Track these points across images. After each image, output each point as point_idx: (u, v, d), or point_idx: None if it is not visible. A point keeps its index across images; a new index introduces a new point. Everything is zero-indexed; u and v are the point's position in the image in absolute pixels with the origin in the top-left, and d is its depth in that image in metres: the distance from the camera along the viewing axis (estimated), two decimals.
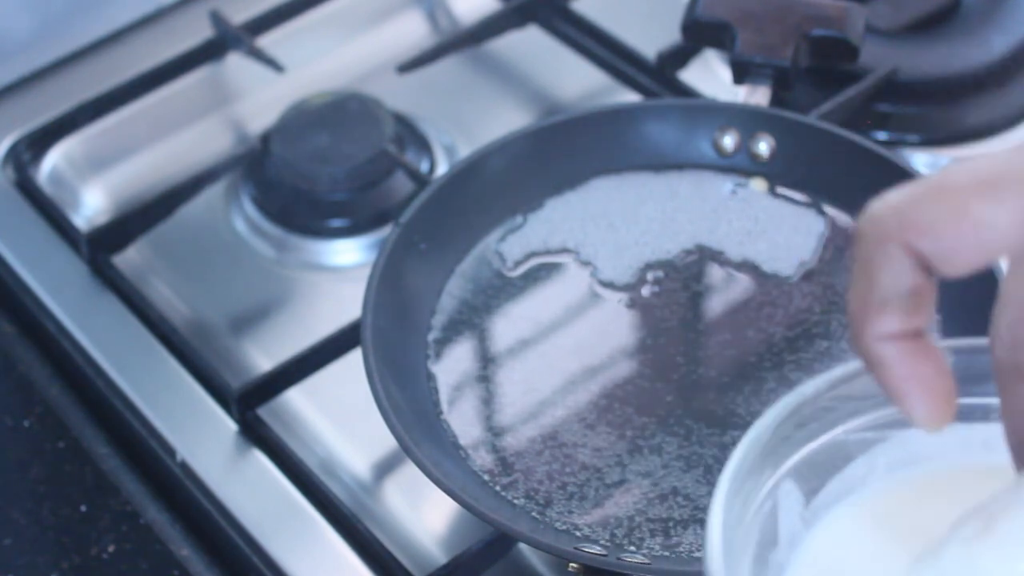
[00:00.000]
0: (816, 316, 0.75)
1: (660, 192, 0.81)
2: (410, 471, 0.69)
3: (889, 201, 0.39)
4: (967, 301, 0.57)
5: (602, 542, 0.67)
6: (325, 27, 0.99)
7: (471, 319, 0.76)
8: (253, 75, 0.96)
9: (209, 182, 0.88)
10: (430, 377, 0.74)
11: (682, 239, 0.79)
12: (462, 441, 0.71)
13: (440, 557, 0.71)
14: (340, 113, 0.90)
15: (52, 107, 0.93)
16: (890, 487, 0.44)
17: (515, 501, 0.69)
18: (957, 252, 0.38)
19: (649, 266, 0.78)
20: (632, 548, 0.67)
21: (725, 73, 0.90)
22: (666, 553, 0.66)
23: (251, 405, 0.77)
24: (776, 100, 0.82)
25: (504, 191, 0.80)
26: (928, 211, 0.38)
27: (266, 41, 0.96)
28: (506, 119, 0.91)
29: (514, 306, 0.77)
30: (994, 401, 0.42)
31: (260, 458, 0.76)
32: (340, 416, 0.78)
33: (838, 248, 0.78)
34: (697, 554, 0.66)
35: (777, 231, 0.79)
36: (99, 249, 0.85)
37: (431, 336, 0.75)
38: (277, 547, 0.72)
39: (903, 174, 0.75)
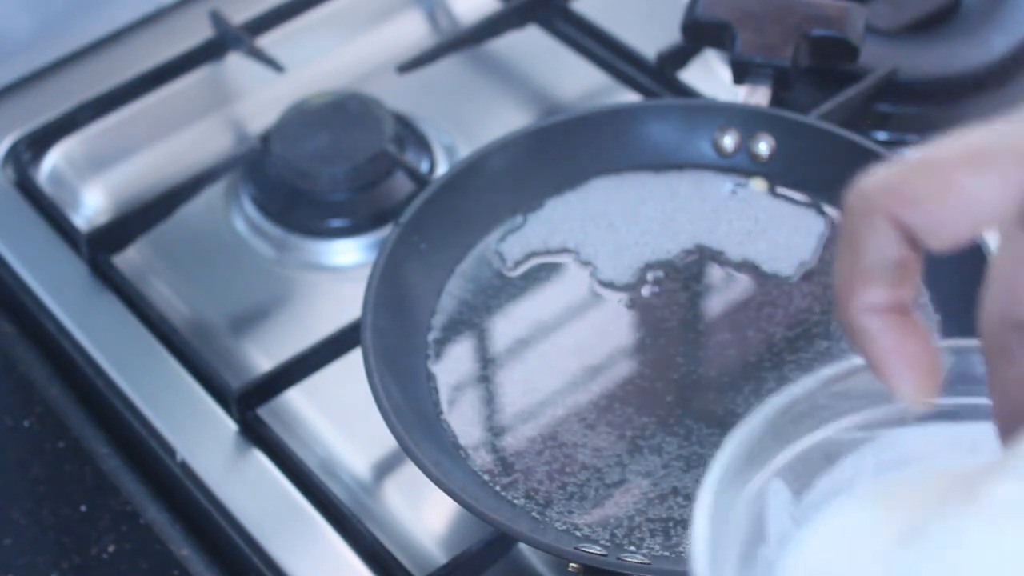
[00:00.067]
0: (816, 316, 0.75)
1: (660, 192, 0.81)
2: (410, 471, 0.69)
3: (877, 175, 0.39)
4: (966, 300, 0.57)
5: (602, 542, 0.67)
6: (325, 27, 0.99)
7: (471, 319, 0.76)
8: (253, 75, 0.96)
9: (209, 182, 0.88)
10: (430, 377, 0.74)
11: (682, 239, 0.79)
12: (462, 441, 0.71)
13: (440, 557, 0.71)
14: (340, 113, 0.90)
15: (52, 107, 0.93)
16: (881, 487, 0.44)
17: (515, 501, 0.69)
18: (943, 225, 0.38)
19: (649, 266, 0.78)
20: (632, 548, 0.67)
21: (725, 73, 0.90)
22: (666, 553, 0.66)
23: (251, 405, 0.77)
24: (776, 100, 0.82)
25: (504, 191, 0.80)
26: (914, 184, 0.38)
27: (266, 41, 0.96)
28: (506, 119, 0.91)
29: (514, 306, 0.77)
30: (983, 401, 0.42)
31: (260, 458, 0.76)
32: (340, 416, 0.78)
33: None
34: None
35: (777, 231, 0.79)
36: (99, 249, 0.85)
37: (431, 336, 0.75)
38: (277, 547, 0.72)
39: None
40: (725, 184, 0.81)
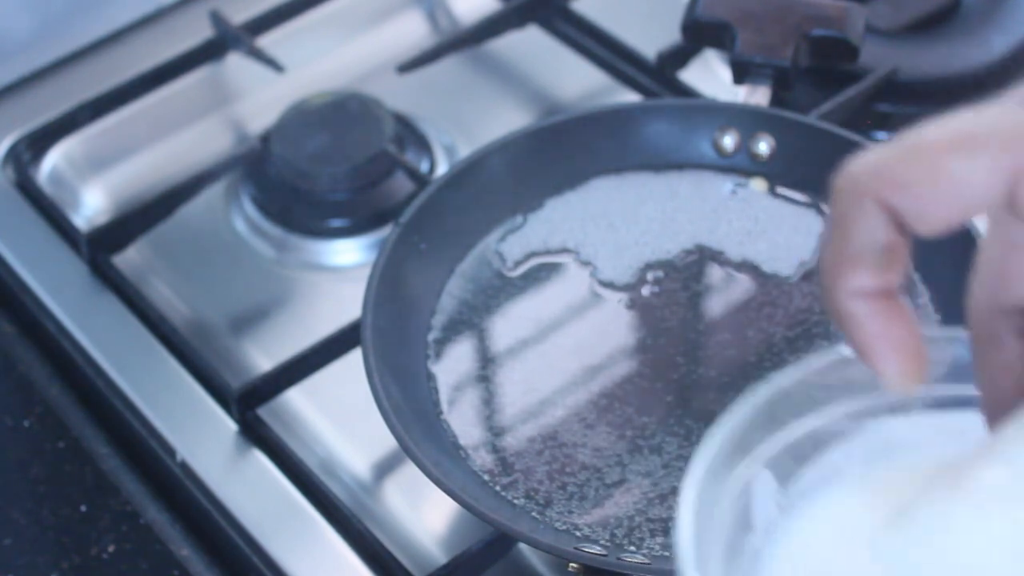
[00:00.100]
0: (816, 316, 0.75)
1: (660, 192, 0.81)
2: (410, 471, 0.69)
3: (866, 158, 0.39)
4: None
5: (602, 542, 0.67)
6: (325, 27, 0.99)
7: (471, 319, 0.76)
8: (253, 75, 0.96)
9: (209, 182, 0.88)
10: (430, 377, 0.74)
11: (682, 239, 0.79)
12: (462, 441, 0.71)
13: (440, 557, 0.71)
14: (340, 113, 0.90)
15: (52, 107, 0.93)
16: (867, 476, 0.44)
17: (515, 501, 0.69)
18: (931, 209, 0.38)
19: (649, 266, 0.78)
20: (632, 548, 0.67)
21: (725, 73, 0.90)
22: (666, 553, 0.66)
23: (251, 405, 0.77)
24: (776, 100, 0.82)
25: (504, 191, 0.80)
26: (903, 168, 0.38)
27: (266, 41, 0.96)
28: (506, 119, 0.91)
29: (514, 306, 0.77)
30: (970, 390, 0.42)
31: (260, 458, 0.76)
32: (340, 416, 0.78)
33: None
34: None
35: (777, 231, 0.79)
36: (99, 249, 0.85)
37: (431, 336, 0.75)
38: (277, 547, 0.72)
39: None
40: (725, 184, 0.81)
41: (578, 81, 0.95)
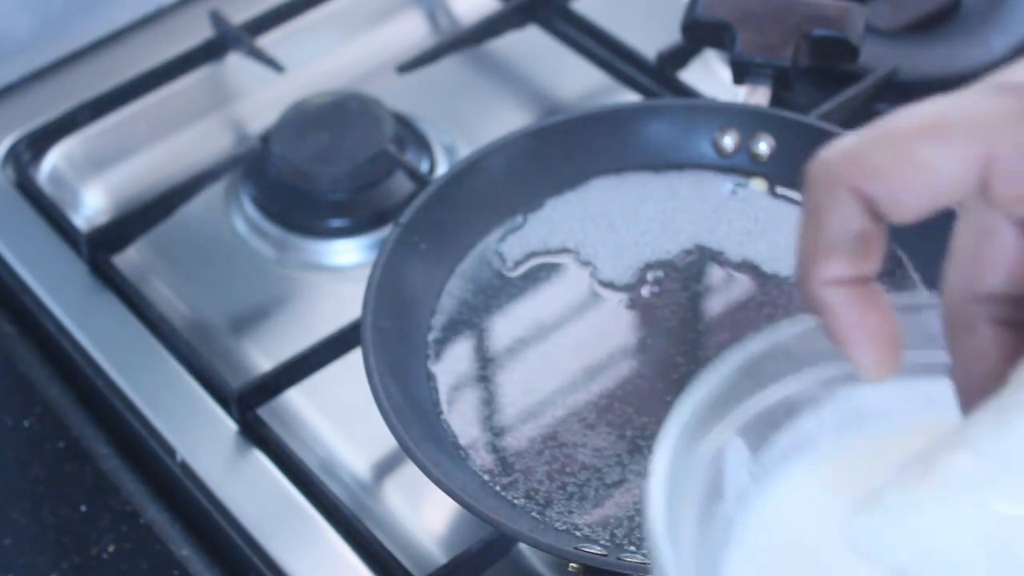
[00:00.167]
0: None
1: (660, 192, 0.81)
2: (410, 471, 0.69)
3: (838, 146, 0.39)
4: None
5: (602, 542, 0.67)
6: (325, 27, 0.99)
7: (471, 319, 0.76)
8: (253, 75, 0.96)
9: (209, 182, 0.88)
10: (430, 377, 0.74)
11: (682, 239, 0.79)
12: (462, 441, 0.71)
13: (440, 557, 0.71)
14: (340, 113, 0.90)
15: (52, 107, 0.93)
16: (839, 443, 0.44)
17: (515, 501, 0.69)
18: (904, 196, 0.38)
19: (649, 266, 0.78)
20: (632, 548, 0.67)
21: (725, 73, 0.90)
22: None
23: (251, 405, 0.77)
24: (776, 100, 0.82)
25: (504, 191, 0.80)
26: (875, 155, 0.38)
27: (266, 41, 0.96)
28: (506, 119, 0.91)
29: (514, 306, 0.77)
30: (940, 357, 0.42)
31: (260, 458, 0.76)
32: (340, 416, 0.78)
33: None
34: None
35: (777, 231, 0.79)
36: (99, 249, 0.85)
37: (431, 336, 0.75)
38: (277, 547, 0.72)
39: None
40: (725, 184, 0.81)
41: (578, 81, 0.95)
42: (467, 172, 0.79)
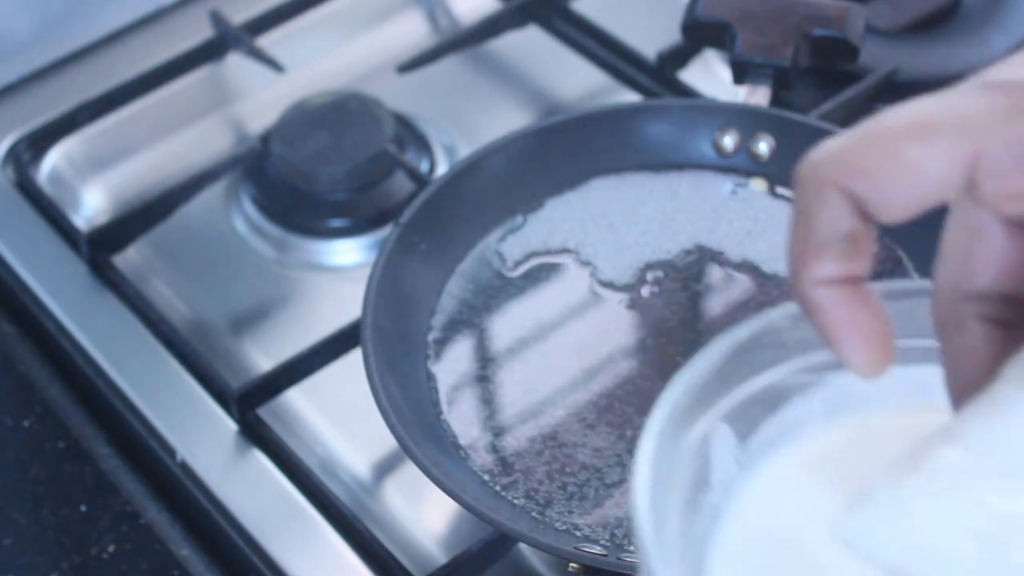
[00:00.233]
0: None
1: (660, 192, 0.81)
2: (410, 471, 0.69)
3: (827, 147, 0.39)
4: None
5: (602, 542, 0.67)
6: (325, 27, 0.99)
7: (471, 319, 0.76)
8: (253, 75, 0.96)
9: (209, 182, 0.88)
10: (430, 377, 0.74)
11: (682, 239, 0.79)
12: (462, 441, 0.71)
13: (440, 557, 0.71)
14: (340, 113, 0.90)
15: (52, 107, 0.93)
16: (827, 430, 0.44)
17: (515, 501, 0.69)
18: (892, 196, 0.38)
19: (649, 266, 0.78)
20: (632, 548, 0.67)
21: (725, 73, 0.90)
22: None
23: (251, 405, 0.77)
24: (776, 100, 0.82)
25: (504, 191, 0.80)
26: (863, 155, 0.38)
27: (266, 41, 0.96)
28: (506, 119, 0.91)
29: (514, 306, 0.77)
30: (930, 343, 0.42)
31: (260, 458, 0.76)
32: (340, 416, 0.78)
33: None
34: None
35: (777, 231, 0.79)
36: (99, 249, 0.85)
37: (431, 336, 0.75)
38: (277, 547, 0.72)
39: None
40: (725, 184, 0.81)
41: (578, 81, 0.95)
42: (467, 172, 0.79)
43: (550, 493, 0.69)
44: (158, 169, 0.92)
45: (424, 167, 0.89)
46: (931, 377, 0.43)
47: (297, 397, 0.79)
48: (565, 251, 0.79)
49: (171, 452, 0.76)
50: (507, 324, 0.76)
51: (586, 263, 0.79)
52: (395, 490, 0.75)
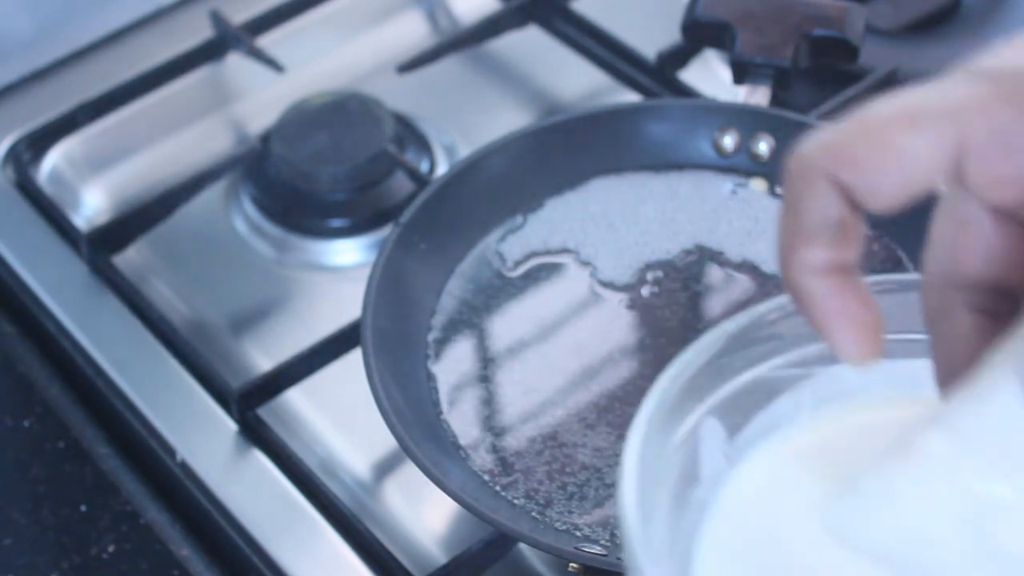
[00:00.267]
0: None
1: (660, 192, 0.81)
2: (410, 471, 0.69)
3: (815, 138, 0.39)
4: None
5: (602, 542, 0.67)
6: (325, 27, 0.99)
7: (471, 319, 0.76)
8: (253, 75, 0.96)
9: (209, 182, 0.88)
10: (430, 377, 0.74)
11: (682, 239, 0.79)
12: (462, 441, 0.71)
13: (440, 557, 0.71)
14: (340, 113, 0.90)
15: (52, 107, 0.93)
16: (815, 423, 0.44)
17: (515, 501, 0.69)
18: (880, 184, 0.38)
19: (649, 266, 0.78)
20: None
21: (725, 73, 0.90)
22: None
23: (251, 405, 0.77)
24: (776, 100, 0.82)
25: (504, 191, 0.80)
26: (851, 143, 0.38)
27: (266, 41, 0.96)
28: (506, 119, 0.91)
29: (514, 306, 0.77)
30: (919, 337, 0.42)
31: (260, 458, 0.76)
32: (340, 416, 0.78)
33: None
34: None
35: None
36: (99, 249, 0.85)
37: (431, 336, 0.75)
38: (277, 547, 0.72)
39: None
40: (725, 184, 0.81)
41: (578, 81, 0.95)
42: (467, 172, 0.79)
43: (550, 493, 0.69)
44: (158, 169, 0.92)
45: (424, 167, 0.89)
46: (921, 371, 0.43)
47: (297, 397, 0.79)
48: (565, 251, 0.79)
49: (171, 452, 0.76)
50: (507, 324, 0.76)
51: (586, 263, 0.79)
52: (395, 490, 0.75)
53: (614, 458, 0.70)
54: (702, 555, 0.41)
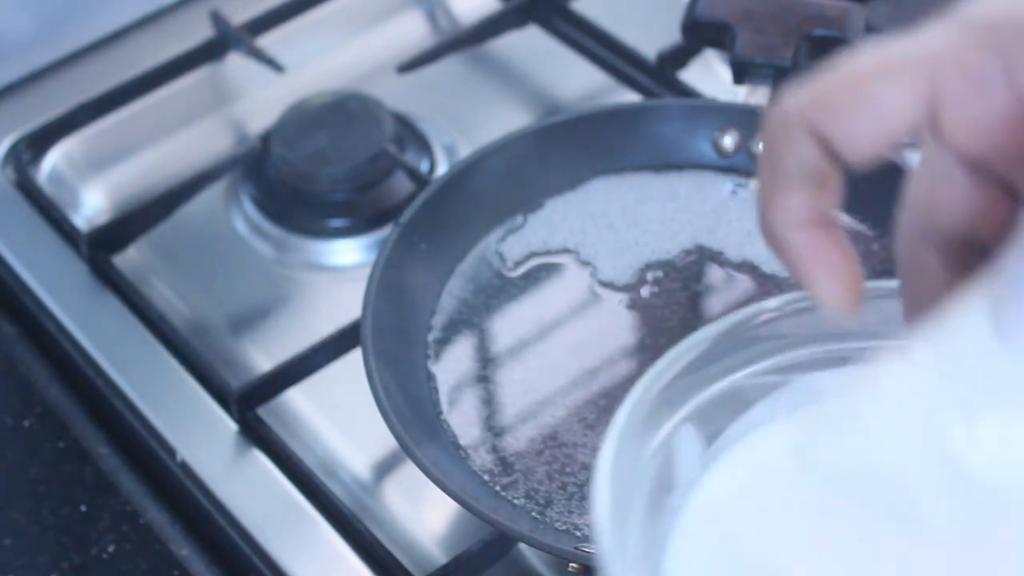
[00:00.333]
0: None
1: (660, 192, 0.81)
2: (410, 471, 0.69)
3: (793, 92, 0.40)
4: None
5: None
6: (325, 27, 0.99)
7: (471, 319, 0.76)
8: (253, 75, 0.96)
9: (209, 182, 0.88)
10: (430, 377, 0.74)
11: (682, 239, 0.79)
12: (462, 441, 0.71)
13: (440, 557, 0.71)
14: (340, 113, 0.90)
15: (52, 107, 0.93)
16: (787, 425, 0.44)
17: (515, 501, 0.69)
18: (857, 134, 0.39)
19: (649, 266, 0.78)
20: None
21: (725, 73, 0.90)
22: None
23: (251, 405, 0.77)
24: (776, 100, 0.82)
25: (504, 191, 0.80)
26: (828, 94, 0.39)
27: (266, 41, 0.96)
28: (506, 119, 0.91)
29: (514, 306, 0.77)
30: (899, 344, 0.43)
31: (260, 458, 0.76)
32: (340, 416, 0.78)
33: None
34: None
35: None
36: (99, 249, 0.85)
37: (431, 336, 0.75)
38: (277, 547, 0.72)
39: (902, 173, 0.75)
40: (725, 184, 0.81)
41: (578, 81, 0.95)
42: (467, 172, 0.79)
43: (550, 493, 0.69)
44: (158, 169, 0.92)
45: (424, 167, 0.89)
46: None
47: (297, 397, 0.79)
48: (565, 251, 0.79)
49: (171, 452, 0.76)
50: (507, 324, 0.76)
51: (586, 263, 0.79)
52: (395, 490, 0.75)
53: None
54: (674, 558, 0.41)
